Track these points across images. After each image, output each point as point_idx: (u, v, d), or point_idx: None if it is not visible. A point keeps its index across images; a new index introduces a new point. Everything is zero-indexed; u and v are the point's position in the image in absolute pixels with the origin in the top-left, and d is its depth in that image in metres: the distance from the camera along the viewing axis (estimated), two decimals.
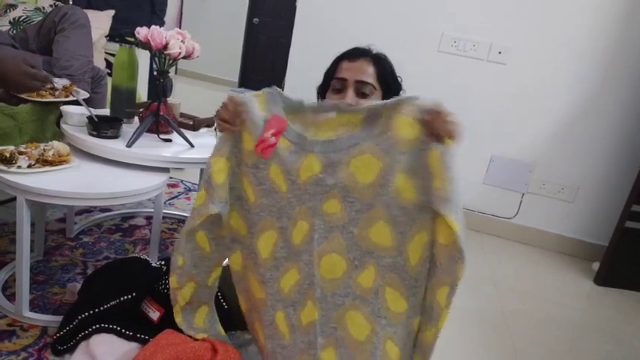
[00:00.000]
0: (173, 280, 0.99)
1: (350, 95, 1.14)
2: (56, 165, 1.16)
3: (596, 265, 2.24)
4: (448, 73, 2.41)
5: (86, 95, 1.55)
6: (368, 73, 1.14)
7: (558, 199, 2.44)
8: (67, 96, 1.47)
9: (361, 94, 1.14)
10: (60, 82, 1.52)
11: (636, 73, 2.22)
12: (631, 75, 2.22)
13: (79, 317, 1.07)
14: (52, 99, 1.44)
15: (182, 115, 1.69)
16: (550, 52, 2.28)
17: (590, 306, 2.01)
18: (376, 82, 1.15)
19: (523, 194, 2.48)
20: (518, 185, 2.47)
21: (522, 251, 2.43)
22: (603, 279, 2.16)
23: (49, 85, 1.48)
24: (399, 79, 1.23)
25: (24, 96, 1.39)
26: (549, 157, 2.40)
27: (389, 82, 1.18)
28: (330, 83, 1.19)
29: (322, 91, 1.24)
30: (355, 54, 1.18)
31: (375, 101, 1.13)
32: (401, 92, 1.22)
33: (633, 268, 2.13)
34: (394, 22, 2.42)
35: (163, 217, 1.87)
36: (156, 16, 2.89)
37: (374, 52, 1.20)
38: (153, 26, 1.27)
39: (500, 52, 2.33)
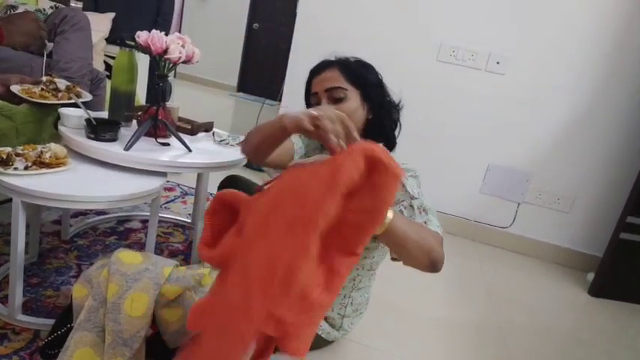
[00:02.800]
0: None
1: (325, 104, 1.14)
2: (53, 167, 1.16)
3: (590, 276, 2.24)
4: (446, 83, 2.42)
5: (89, 98, 1.54)
6: (335, 77, 1.14)
7: (554, 209, 2.45)
8: (69, 97, 1.47)
9: (334, 100, 1.14)
10: (62, 83, 1.52)
11: (633, 84, 2.23)
12: (628, 86, 2.24)
13: (70, 325, 1.05)
14: (54, 101, 1.44)
15: (180, 119, 1.69)
16: (547, 63, 2.30)
17: (585, 317, 2.01)
18: (347, 84, 1.14)
19: (519, 204, 2.49)
20: (514, 195, 2.48)
21: (518, 261, 2.43)
22: (598, 290, 2.16)
23: (51, 86, 1.47)
24: (380, 76, 1.21)
25: (26, 97, 1.39)
26: (546, 167, 2.41)
27: (362, 78, 1.16)
28: (309, 102, 1.22)
29: (308, 106, 1.25)
30: (320, 67, 1.19)
31: (355, 104, 1.14)
32: (383, 84, 1.21)
33: (627, 280, 2.14)
34: (394, 31, 2.43)
35: (159, 221, 1.86)
36: (158, 25, 2.89)
37: (338, 57, 1.20)
38: (153, 30, 1.27)
39: (498, 63, 2.34)
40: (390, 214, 0.83)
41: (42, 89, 1.45)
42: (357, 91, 1.15)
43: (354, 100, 1.14)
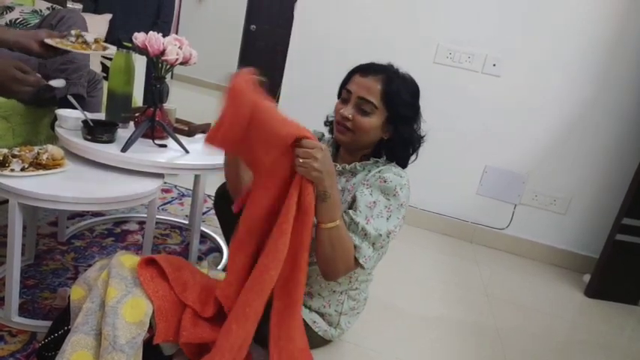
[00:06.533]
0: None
1: (349, 109, 1.15)
2: (50, 169, 1.16)
3: (587, 278, 2.25)
4: (443, 85, 2.42)
5: (62, 84, 1.39)
6: (373, 91, 1.13)
7: (551, 210, 2.45)
8: (104, 48, 1.40)
9: (361, 111, 1.14)
10: (89, 36, 1.41)
11: (629, 86, 2.25)
12: (624, 88, 2.25)
13: (67, 327, 1.05)
14: (91, 51, 1.38)
15: (178, 120, 1.69)
16: (544, 65, 2.31)
17: (581, 318, 2.02)
18: (380, 102, 1.14)
19: (515, 205, 2.49)
20: (511, 196, 2.49)
21: (514, 262, 2.44)
22: (594, 291, 2.17)
23: (80, 40, 1.38)
24: (418, 107, 1.22)
25: (66, 48, 1.31)
26: (542, 169, 2.42)
27: (396, 105, 1.15)
28: (342, 92, 1.21)
29: (340, 93, 1.25)
30: (369, 69, 1.17)
31: (376, 123, 1.15)
32: (420, 120, 1.23)
33: (624, 281, 2.15)
34: (390, 33, 2.44)
35: (156, 223, 1.86)
36: (157, 27, 2.87)
37: (391, 70, 1.18)
38: (151, 32, 1.28)
39: (494, 65, 2.35)
40: (338, 222, 1.02)
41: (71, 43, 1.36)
42: (386, 113, 1.15)
43: (377, 119, 1.15)
